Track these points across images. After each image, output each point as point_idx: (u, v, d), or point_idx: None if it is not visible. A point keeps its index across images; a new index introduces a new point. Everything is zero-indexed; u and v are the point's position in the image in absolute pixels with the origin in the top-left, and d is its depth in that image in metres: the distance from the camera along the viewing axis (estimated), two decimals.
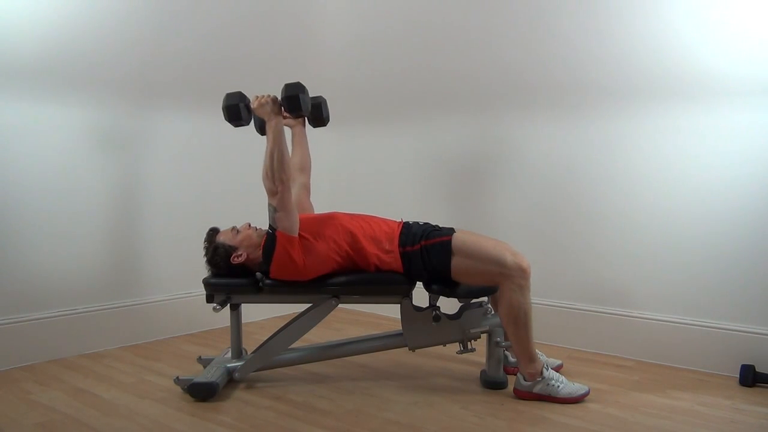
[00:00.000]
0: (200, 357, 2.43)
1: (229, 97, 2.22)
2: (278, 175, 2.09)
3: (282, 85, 2.15)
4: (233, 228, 2.31)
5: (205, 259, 2.29)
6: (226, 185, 3.19)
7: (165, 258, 2.96)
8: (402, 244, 2.20)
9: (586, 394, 2.11)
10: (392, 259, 2.20)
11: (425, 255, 2.17)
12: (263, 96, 2.16)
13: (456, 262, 2.14)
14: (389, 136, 3.46)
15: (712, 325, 2.44)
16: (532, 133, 2.89)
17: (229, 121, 2.24)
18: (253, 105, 2.18)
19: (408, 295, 2.26)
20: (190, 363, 2.51)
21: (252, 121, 2.32)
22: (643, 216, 2.59)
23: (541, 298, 2.78)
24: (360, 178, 3.59)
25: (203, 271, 2.33)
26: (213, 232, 2.31)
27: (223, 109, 2.22)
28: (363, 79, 3.56)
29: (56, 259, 2.59)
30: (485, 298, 2.32)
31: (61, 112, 2.58)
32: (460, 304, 2.33)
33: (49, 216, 2.56)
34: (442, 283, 2.21)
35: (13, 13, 2.42)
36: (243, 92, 2.24)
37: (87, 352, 2.66)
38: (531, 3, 2.86)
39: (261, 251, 2.20)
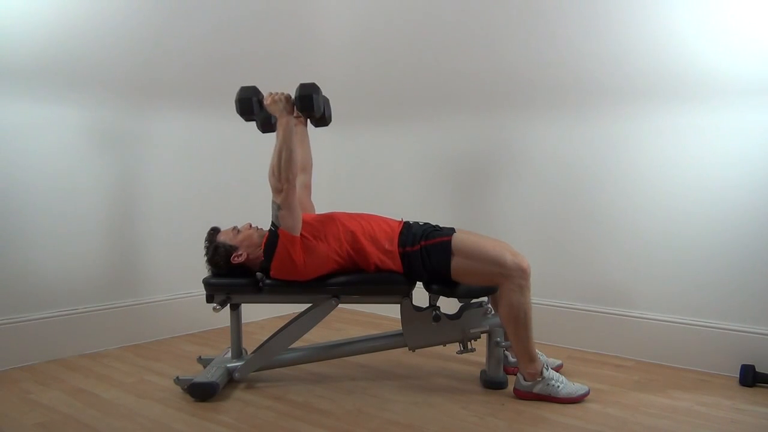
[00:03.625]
0: (200, 357, 2.43)
1: (243, 90, 2.23)
2: (285, 174, 2.08)
3: (284, 83, 2.16)
4: (234, 228, 2.31)
5: (206, 258, 2.29)
6: (227, 185, 3.19)
7: (165, 258, 2.96)
8: (402, 244, 2.20)
9: (586, 394, 2.11)
10: (392, 259, 2.20)
11: (425, 255, 2.17)
12: (277, 93, 2.17)
13: (456, 263, 2.14)
14: (390, 135, 3.46)
15: (712, 325, 2.44)
16: (533, 133, 2.89)
17: (241, 115, 2.25)
18: (266, 101, 2.18)
19: (408, 295, 2.26)
20: (190, 363, 2.51)
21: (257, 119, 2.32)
22: (643, 216, 2.59)
23: (541, 298, 2.78)
24: (360, 177, 3.59)
25: (203, 271, 2.33)
26: (213, 232, 2.31)
27: (235, 101, 2.23)
28: (364, 78, 3.56)
29: (56, 259, 2.59)
30: (485, 298, 2.32)
31: (61, 111, 2.58)
32: (460, 304, 2.33)
33: (49, 216, 2.56)
34: (442, 283, 2.21)
35: (14, 13, 2.42)
36: (257, 87, 2.25)
37: (87, 352, 2.66)
38: (532, 3, 2.86)
39: (262, 250, 2.20)
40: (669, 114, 2.51)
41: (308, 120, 2.49)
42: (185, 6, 2.98)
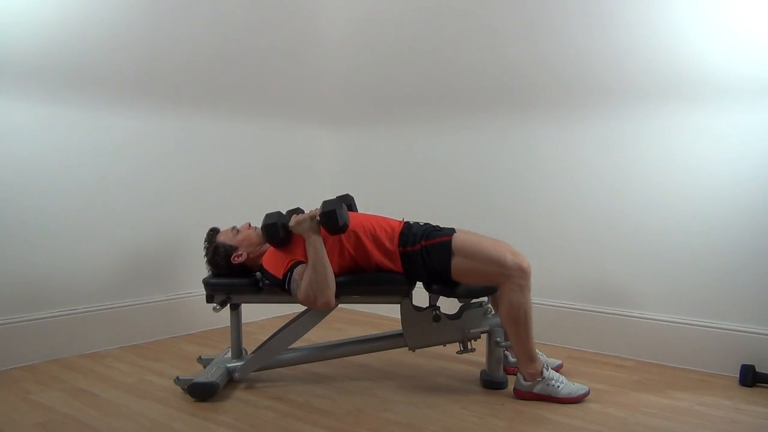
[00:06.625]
0: (200, 357, 2.44)
1: (267, 217, 2.21)
2: (319, 291, 2.08)
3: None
4: (233, 228, 2.31)
5: (206, 259, 2.30)
6: (227, 185, 3.19)
7: (165, 258, 2.96)
8: (402, 243, 2.20)
9: (586, 394, 2.11)
10: (392, 259, 2.20)
11: (425, 255, 2.17)
12: (300, 215, 2.18)
13: (456, 262, 2.14)
14: (390, 135, 3.46)
15: (712, 325, 2.44)
16: (533, 133, 2.89)
17: (269, 241, 2.22)
18: (291, 224, 2.18)
19: (408, 295, 2.26)
20: (190, 363, 2.51)
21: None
22: (643, 215, 2.59)
23: (542, 298, 2.78)
24: (360, 177, 3.58)
25: (203, 271, 2.33)
26: (213, 232, 2.31)
27: (261, 228, 2.22)
28: (364, 78, 3.56)
29: (56, 259, 2.59)
30: (485, 298, 2.33)
31: (61, 112, 2.58)
32: (460, 304, 2.33)
33: (49, 216, 2.56)
34: (442, 283, 2.21)
35: (14, 13, 2.42)
36: (281, 211, 2.25)
37: (87, 352, 2.66)
38: (533, 2, 2.86)
39: (263, 266, 2.21)
40: (669, 114, 2.51)
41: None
42: (185, 4, 2.98)
